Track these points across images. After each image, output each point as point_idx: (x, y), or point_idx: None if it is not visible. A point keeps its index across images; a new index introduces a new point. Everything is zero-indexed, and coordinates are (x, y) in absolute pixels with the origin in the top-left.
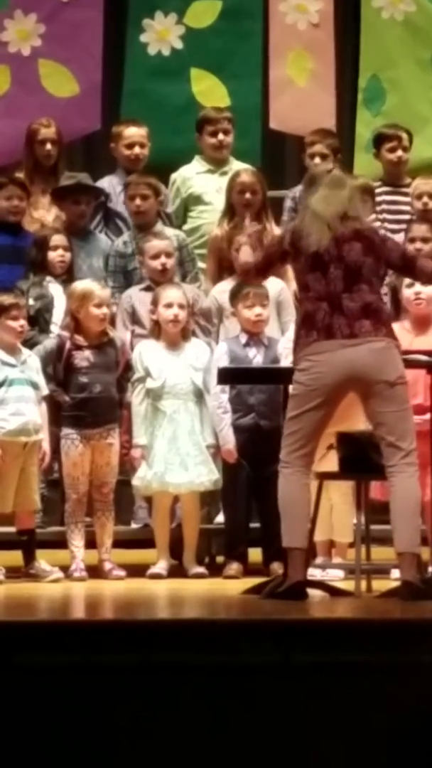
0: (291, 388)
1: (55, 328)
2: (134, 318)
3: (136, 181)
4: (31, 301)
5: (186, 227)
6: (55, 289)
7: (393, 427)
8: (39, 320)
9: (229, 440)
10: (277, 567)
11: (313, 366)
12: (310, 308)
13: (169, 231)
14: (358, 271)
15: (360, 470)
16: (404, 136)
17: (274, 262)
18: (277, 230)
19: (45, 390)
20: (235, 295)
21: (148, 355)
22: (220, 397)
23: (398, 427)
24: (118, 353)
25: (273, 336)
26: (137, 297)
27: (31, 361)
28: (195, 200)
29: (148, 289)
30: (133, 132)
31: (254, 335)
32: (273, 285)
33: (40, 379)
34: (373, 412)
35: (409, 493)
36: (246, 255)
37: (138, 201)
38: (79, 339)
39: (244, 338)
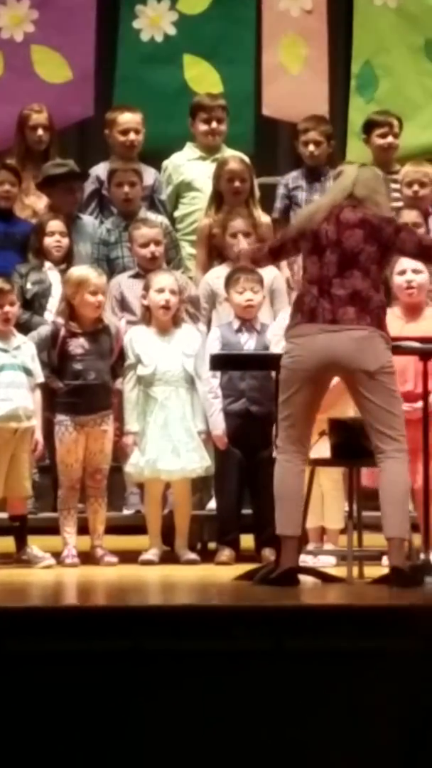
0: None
1: (49, 316)
2: (123, 305)
3: (124, 168)
4: (29, 285)
5: (177, 213)
6: (54, 276)
7: (377, 416)
8: (34, 305)
9: (219, 426)
10: (268, 553)
11: (293, 349)
12: (302, 291)
13: (152, 217)
14: (354, 258)
15: (352, 456)
16: (395, 122)
17: (287, 245)
18: (265, 218)
19: (40, 377)
20: (227, 281)
21: (139, 341)
22: (210, 382)
23: (382, 415)
24: (113, 340)
25: (266, 322)
26: (126, 284)
27: (26, 347)
28: (186, 187)
29: (136, 276)
30: (128, 118)
31: (246, 321)
32: (267, 273)
33: (35, 366)
34: (357, 400)
35: (398, 479)
36: (243, 244)
37: (126, 188)
38: (74, 326)
39: (236, 324)
